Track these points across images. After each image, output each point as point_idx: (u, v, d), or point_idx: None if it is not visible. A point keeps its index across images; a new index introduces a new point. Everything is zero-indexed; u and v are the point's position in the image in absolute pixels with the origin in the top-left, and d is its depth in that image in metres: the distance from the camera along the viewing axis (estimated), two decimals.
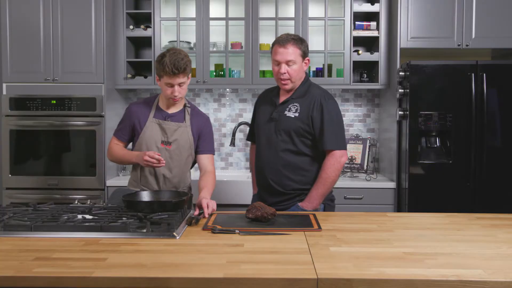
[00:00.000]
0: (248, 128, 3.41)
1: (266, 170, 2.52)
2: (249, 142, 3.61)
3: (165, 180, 2.60)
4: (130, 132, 2.59)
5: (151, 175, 2.58)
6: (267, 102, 2.61)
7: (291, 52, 2.42)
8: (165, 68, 2.39)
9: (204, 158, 2.64)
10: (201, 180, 2.56)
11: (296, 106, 2.49)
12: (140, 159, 2.44)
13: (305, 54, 2.49)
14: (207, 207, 2.26)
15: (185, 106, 2.62)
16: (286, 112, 2.49)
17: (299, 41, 2.47)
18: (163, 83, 2.46)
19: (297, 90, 2.52)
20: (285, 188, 2.49)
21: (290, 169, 2.47)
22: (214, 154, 2.70)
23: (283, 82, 2.47)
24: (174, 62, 2.39)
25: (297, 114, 2.47)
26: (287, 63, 2.43)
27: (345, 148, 2.47)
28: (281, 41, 2.45)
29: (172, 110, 2.59)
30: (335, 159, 2.44)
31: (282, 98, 2.55)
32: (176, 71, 2.40)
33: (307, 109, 2.46)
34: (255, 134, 2.67)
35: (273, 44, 2.50)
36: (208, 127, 2.67)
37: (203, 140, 2.63)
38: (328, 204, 2.57)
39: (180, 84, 2.45)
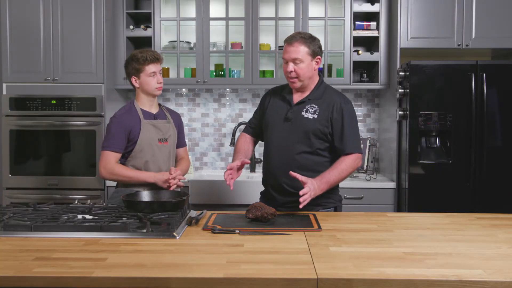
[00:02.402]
0: None
1: (279, 172, 2.46)
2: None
3: None
4: (126, 141, 2.59)
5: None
6: (279, 99, 2.55)
7: (297, 50, 2.39)
8: (147, 57, 2.60)
9: (182, 151, 2.88)
10: (177, 164, 2.81)
11: (314, 107, 2.45)
12: (159, 181, 2.55)
13: (315, 53, 2.44)
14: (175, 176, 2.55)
15: (160, 105, 2.79)
16: (303, 113, 2.45)
17: (309, 40, 2.43)
18: (145, 76, 2.62)
19: (314, 92, 2.48)
20: (299, 189, 2.44)
21: (305, 170, 2.40)
22: (186, 146, 2.95)
23: (291, 80, 2.45)
24: (149, 52, 2.62)
25: (315, 116, 2.43)
26: (294, 61, 2.40)
27: (362, 152, 2.50)
28: (289, 39, 2.43)
29: (154, 110, 2.72)
30: (354, 159, 2.43)
31: (297, 98, 2.50)
32: (157, 57, 2.63)
33: (327, 111, 2.43)
34: (265, 134, 2.59)
35: (284, 42, 2.48)
36: (182, 122, 2.90)
37: (180, 134, 2.84)
38: (339, 205, 2.56)
39: (160, 72, 2.66)
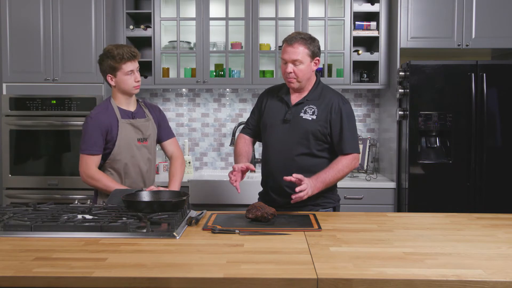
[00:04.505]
0: None
1: (278, 174, 2.43)
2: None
3: (148, 176, 2.64)
4: (104, 142, 2.50)
5: (137, 174, 2.59)
6: (277, 100, 2.53)
7: (297, 51, 2.37)
8: (124, 55, 2.46)
9: (169, 144, 2.74)
10: (171, 167, 2.68)
11: (313, 108, 2.44)
12: None
13: (314, 54, 2.42)
14: None
15: (138, 101, 2.67)
16: (302, 114, 2.44)
17: (309, 40, 2.41)
18: (122, 74, 2.49)
19: (311, 92, 2.47)
20: None
21: (305, 172, 2.37)
22: (175, 136, 2.78)
23: (289, 80, 2.43)
24: (125, 49, 2.48)
25: (314, 117, 2.42)
26: (294, 62, 2.38)
27: (359, 152, 2.49)
28: (289, 39, 2.40)
29: (132, 108, 2.61)
30: (351, 160, 2.42)
31: (295, 99, 2.49)
32: (134, 54, 2.50)
33: (325, 112, 2.43)
34: (262, 135, 2.58)
35: (282, 42, 2.46)
36: (163, 115, 2.75)
37: (163, 128, 2.72)
38: (337, 205, 2.56)
39: (137, 69, 2.54)
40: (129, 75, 2.50)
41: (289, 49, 2.39)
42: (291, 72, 2.39)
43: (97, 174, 2.48)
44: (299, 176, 2.24)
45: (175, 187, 2.60)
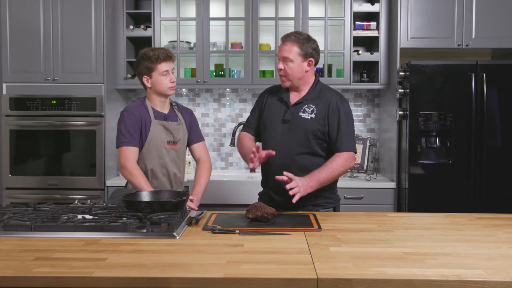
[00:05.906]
0: None
1: (279, 174, 2.39)
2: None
3: (175, 179, 2.65)
4: (139, 136, 2.51)
5: (164, 176, 2.60)
6: (276, 100, 2.54)
7: (289, 49, 2.40)
8: (160, 55, 2.50)
9: (198, 147, 2.75)
10: (198, 170, 2.71)
11: (312, 107, 2.45)
12: None
13: (307, 54, 2.41)
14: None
15: (171, 104, 2.69)
16: (301, 114, 2.44)
17: (303, 40, 2.41)
18: (158, 75, 2.52)
19: (310, 92, 2.48)
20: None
21: (305, 171, 2.38)
22: (204, 140, 2.79)
23: (280, 79, 2.47)
24: (161, 50, 2.56)
25: (313, 116, 2.43)
26: (284, 59, 2.41)
27: (356, 151, 2.49)
28: (284, 37, 2.44)
29: (165, 110, 2.63)
30: (346, 159, 2.42)
31: (294, 99, 2.49)
32: (169, 54, 2.54)
33: (323, 110, 2.43)
34: (262, 135, 2.58)
35: (280, 40, 2.50)
36: (194, 118, 2.78)
37: (194, 131, 2.73)
38: (337, 205, 2.55)
39: (172, 70, 2.57)
40: (165, 75, 2.53)
41: (282, 47, 2.43)
42: (280, 69, 2.43)
43: (135, 169, 2.47)
44: (290, 175, 2.24)
45: (200, 189, 2.62)
